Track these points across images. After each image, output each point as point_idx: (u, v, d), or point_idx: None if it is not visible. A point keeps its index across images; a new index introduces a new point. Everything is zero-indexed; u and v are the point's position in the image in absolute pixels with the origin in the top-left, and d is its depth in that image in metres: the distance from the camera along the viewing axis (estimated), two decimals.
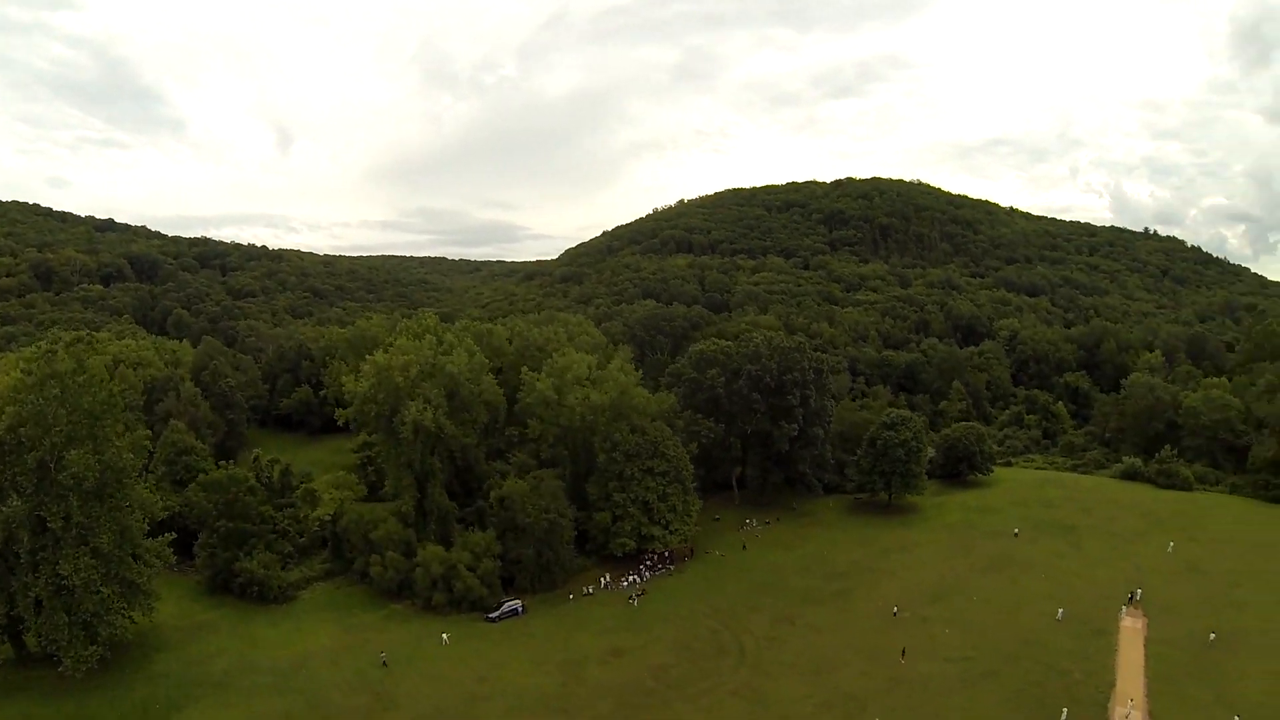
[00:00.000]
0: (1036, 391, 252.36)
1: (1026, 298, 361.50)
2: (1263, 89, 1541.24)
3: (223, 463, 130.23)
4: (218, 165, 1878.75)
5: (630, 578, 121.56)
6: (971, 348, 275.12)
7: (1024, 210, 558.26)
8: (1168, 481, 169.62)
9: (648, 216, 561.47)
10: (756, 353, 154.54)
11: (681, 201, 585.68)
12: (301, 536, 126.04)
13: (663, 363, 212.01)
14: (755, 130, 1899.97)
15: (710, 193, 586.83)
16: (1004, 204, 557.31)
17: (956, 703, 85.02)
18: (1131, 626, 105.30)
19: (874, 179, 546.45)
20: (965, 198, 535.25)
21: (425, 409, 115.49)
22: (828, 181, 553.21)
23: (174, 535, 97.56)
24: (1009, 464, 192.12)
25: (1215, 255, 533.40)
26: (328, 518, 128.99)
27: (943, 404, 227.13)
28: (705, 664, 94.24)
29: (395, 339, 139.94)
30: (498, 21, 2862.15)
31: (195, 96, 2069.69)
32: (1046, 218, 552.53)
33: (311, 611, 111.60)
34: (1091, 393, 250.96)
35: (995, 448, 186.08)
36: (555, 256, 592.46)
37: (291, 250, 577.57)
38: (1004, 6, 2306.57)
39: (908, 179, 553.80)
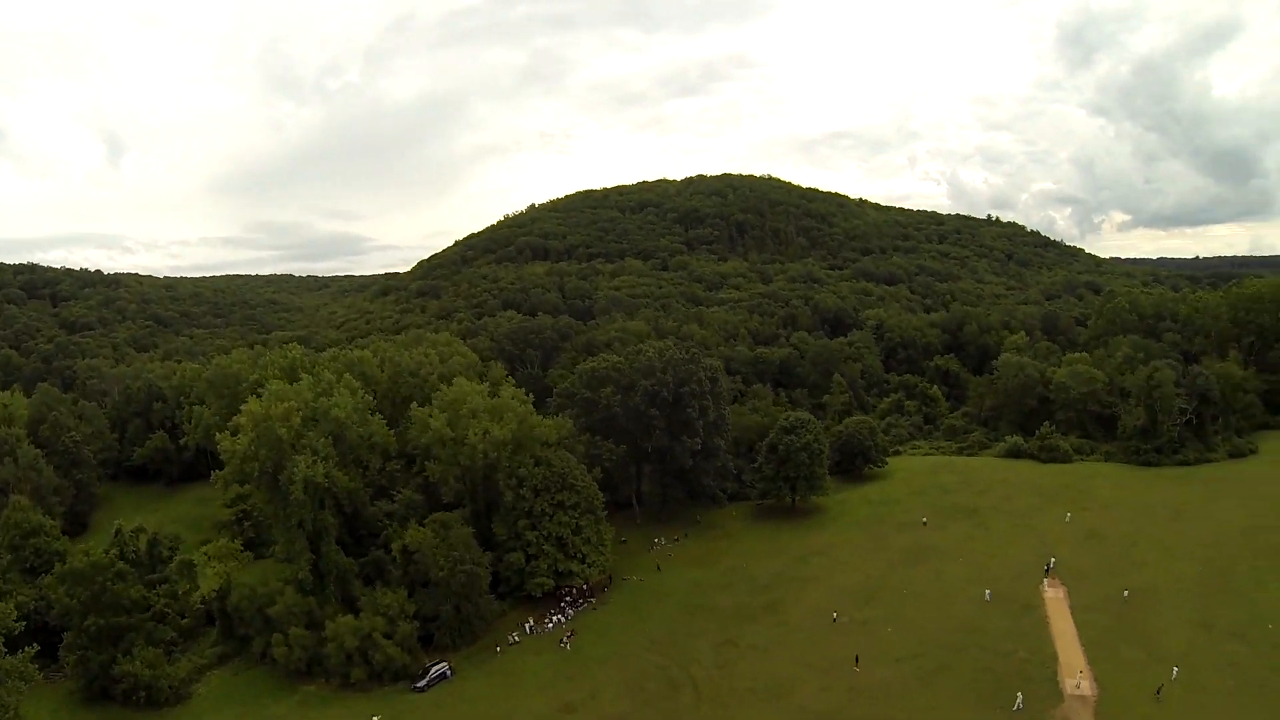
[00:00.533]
0: (910, 376, 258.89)
1: (886, 287, 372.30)
2: (1085, 86, 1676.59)
3: (81, 545, 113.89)
4: (42, 180, 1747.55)
5: (554, 618, 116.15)
6: (841, 339, 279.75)
7: (873, 201, 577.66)
8: (1049, 455, 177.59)
9: (500, 223, 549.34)
10: (650, 366, 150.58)
11: (533, 206, 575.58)
12: (183, 617, 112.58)
13: (536, 376, 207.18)
14: (601, 130, 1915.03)
15: (560, 195, 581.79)
16: (853, 195, 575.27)
17: (920, 703, 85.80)
18: (1055, 597, 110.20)
19: (725, 175, 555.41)
20: (817, 191, 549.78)
21: (315, 463, 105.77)
22: (679, 179, 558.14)
23: (36, 648, 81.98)
24: (898, 453, 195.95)
25: (1052, 238, 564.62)
26: (213, 594, 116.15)
27: (825, 397, 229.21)
28: (663, 705, 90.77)
29: (264, 377, 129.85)
30: (343, 25, 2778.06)
31: (16, 104, 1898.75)
32: (895, 208, 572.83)
33: (213, 710, 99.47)
34: (962, 374, 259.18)
35: (884, 438, 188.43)
36: (405, 269, 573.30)
37: (129, 274, 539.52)
38: (845, 9, 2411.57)
39: (758, 174, 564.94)
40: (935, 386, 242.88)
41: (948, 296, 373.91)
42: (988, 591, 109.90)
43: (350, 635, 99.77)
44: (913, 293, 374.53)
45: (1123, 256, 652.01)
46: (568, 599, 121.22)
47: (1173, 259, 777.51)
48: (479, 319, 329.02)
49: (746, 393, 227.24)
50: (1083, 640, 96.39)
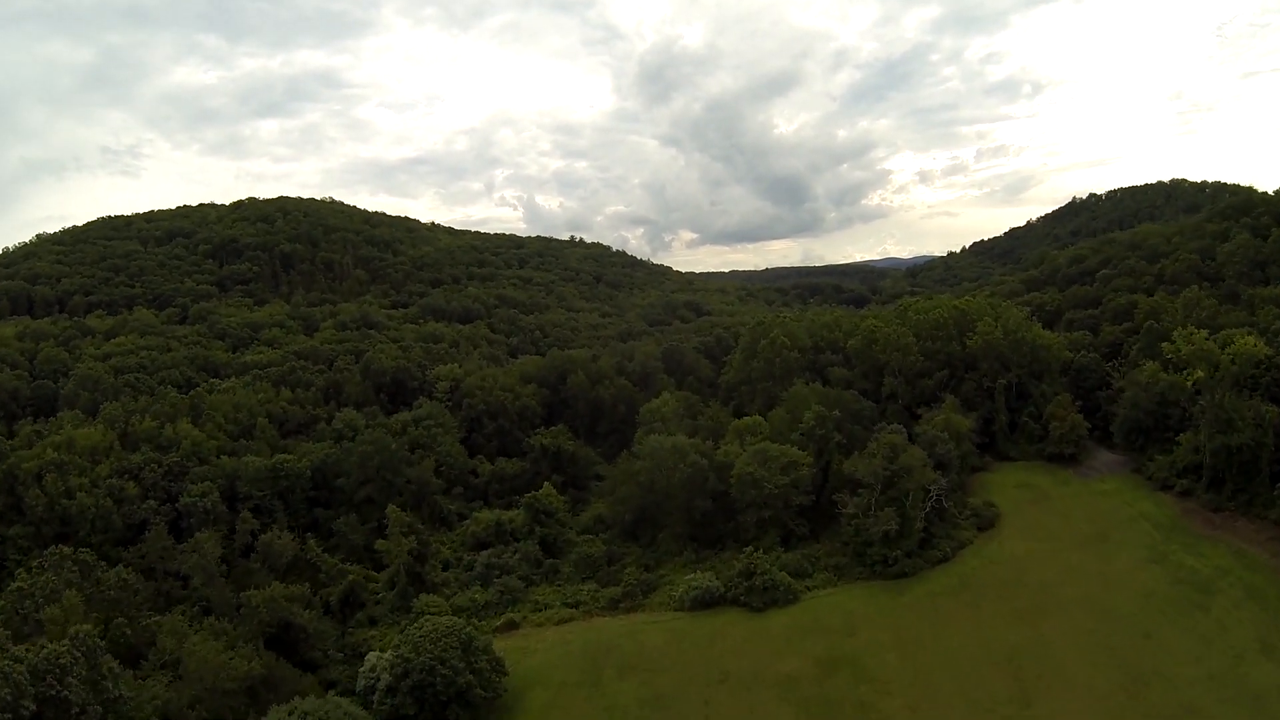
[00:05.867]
0: (508, 462, 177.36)
1: (461, 327, 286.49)
2: (660, 120, 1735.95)
3: None
4: None
5: None
6: (405, 412, 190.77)
7: (447, 226, 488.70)
8: (767, 598, 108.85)
9: None
10: None
11: (39, 237, 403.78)
12: None
13: None
14: (172, 149, 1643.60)
15: (74, 225, 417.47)
16: (425, 220, 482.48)
17: None
18: None
19: (280, 199, 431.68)
20: (383, 215, 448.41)
21: None
22: (226, 204, 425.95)
23: None
24: (513, 625, 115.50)
25: (638, 257, 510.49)
26: None
27: (379, 541, 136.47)
28: None
29: None
30: None
31: None
32: (471, 232, 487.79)
33: None
34: (579, 453, 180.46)
35: (481, 629, 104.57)
36: None
37: None
38: (434, 38, 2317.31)
39: (319, 197, 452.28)
40: (547, 485, 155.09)
41: (536, 332, 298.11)
42: None
43: None
44: (494, 331, 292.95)
45: (695, 271, 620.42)
46: None
47: (743, 271, 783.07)
48: None
49: (254, 549, 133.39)
50: None
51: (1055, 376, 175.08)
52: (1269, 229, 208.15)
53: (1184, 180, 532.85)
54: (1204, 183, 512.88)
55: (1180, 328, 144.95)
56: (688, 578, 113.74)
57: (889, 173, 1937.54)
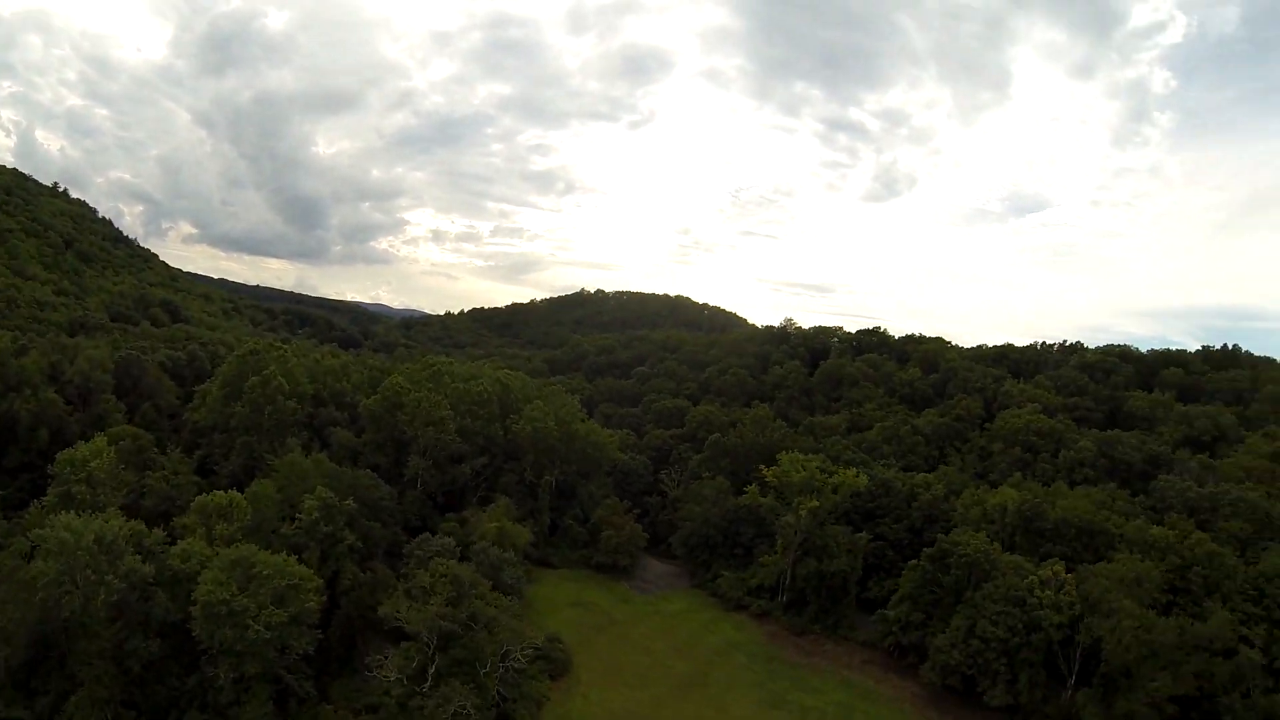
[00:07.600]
0: None
1: None
2: (203, 93, 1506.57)
3: None
4: None
5: None
6: None
7: None
8: None
9: None
10: None
11: None
12: None
13: None
14: None
15: None
16: None
17: None
18: None
19: None
20: None
21: None
22: None
23: None
24: None
25: (125, 234, 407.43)
26: None
27: None
28: None
29: None
30: None
31: None
32: None
33: None
34: None
35: None
36: None
37: None
38: None
39: None
40: None
41: None
42: None
43: None
44: None
45: (184, 269, 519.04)
46: None
47: (233, 281, 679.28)
48: None
49: None
50: None
51: (603, 477, 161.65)
52: (811, 360, 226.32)
53: (687, 298, 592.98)
54: (704, 305, 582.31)
55: (784, 452, 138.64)
56: None
57: (406, 223, 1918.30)
